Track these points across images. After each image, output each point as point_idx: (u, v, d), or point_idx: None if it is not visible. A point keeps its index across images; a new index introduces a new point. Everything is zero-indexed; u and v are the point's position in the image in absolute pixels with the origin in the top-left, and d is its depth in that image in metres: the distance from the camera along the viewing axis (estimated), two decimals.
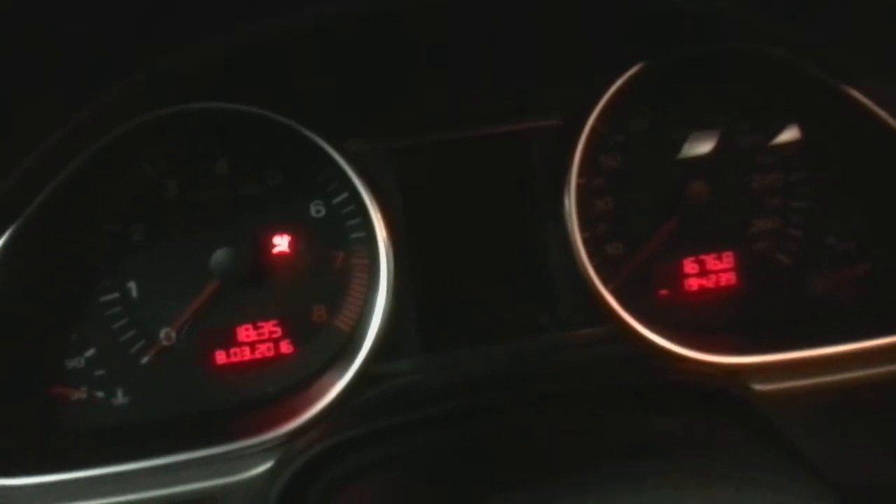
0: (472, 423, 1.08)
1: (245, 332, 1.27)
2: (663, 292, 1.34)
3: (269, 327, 1.28)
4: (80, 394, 1.25)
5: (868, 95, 1.19)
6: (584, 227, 1.23)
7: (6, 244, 1.11)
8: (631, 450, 0.98)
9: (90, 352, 1.25)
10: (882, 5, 1.10)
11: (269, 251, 1.27)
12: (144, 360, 1.25)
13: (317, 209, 1.28)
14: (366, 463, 1.05)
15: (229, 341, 1.27)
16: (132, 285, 1.25)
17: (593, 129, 1.22)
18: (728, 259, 1.34)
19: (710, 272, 1.34)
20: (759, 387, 1.19)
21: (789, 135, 1.34)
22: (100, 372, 1.25)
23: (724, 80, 1.31)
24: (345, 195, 1.26)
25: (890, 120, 1.19)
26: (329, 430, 1.11)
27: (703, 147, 1.32)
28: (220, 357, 1.27)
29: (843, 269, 1.35)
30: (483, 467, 0.99)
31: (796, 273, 1.35)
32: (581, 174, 1.22)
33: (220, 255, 1.22)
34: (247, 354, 1.28)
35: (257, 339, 1.28)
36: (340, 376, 1.18)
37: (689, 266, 1.34)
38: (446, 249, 1.27)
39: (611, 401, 1.11)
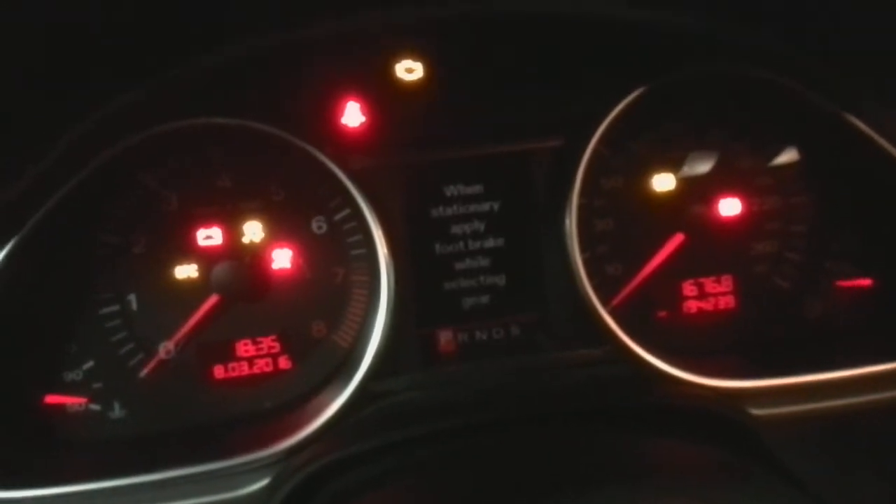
0: (469, 441, 1.08)
1: (244, 347, 1.27)
2: (662, 314, 1.35)
3: (268, 342, 1.28)
4: (76, 405, 1.24)
5: (868, 122, 1.20)
6: (584, 248, 1.24)
7: (8, 255, 1.11)
8: (624, 472, 0.98)
9: (88, 364, 1.24)
10: (882, 34, 1.11)
11: (270, 266, 1.27)
12: (142, 373, 1.25)
13: (318, 225, 1.28)
14: (363, 480, 1.04)
15: (228, 356, 1.27)
16: (132, 298, 1.25)
17: (595, 150, 1.22)
18: (727, 282, 1.35)
19: (709, 295, 1.35)
20: (756, 411, 1.18)
21: (789, 158, 1.35)
22: (98, 384, 1.25)
23: (724, 103, 1.32)
24: (347, 212, 1.27)
25: (889, 147, 1.20)
26: (327, 447, 1.11)
27: (703, 170, 1.33)
28: (219, 371, 1.27)
29: (841, 293, 1.35)
30: (480, 485, 0.99)
31: (794, 297, 1.36)
32: (582, 195, 1.23)
33: (220, 270, 1.23)
34: (245, 369, 1.28)
35: (256, 354, 1.28)
36: (339, 393, 1.18)
37: (688, 288, 1.34)
38: (446, 267, 1.27)
39: (607, 422, 1.11)
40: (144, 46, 1.09)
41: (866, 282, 1.34)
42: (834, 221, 1.35)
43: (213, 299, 1.24)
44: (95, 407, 1.25)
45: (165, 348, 1.25)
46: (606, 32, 1.23)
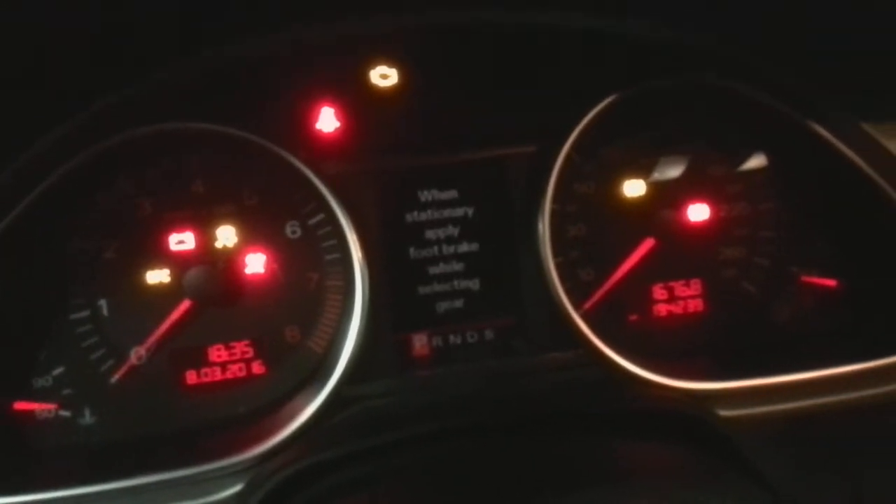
0: (443, 446, 1.09)
1: (217, 352, 1.27)
2: (633, 317, 1.37)
3: (242, 347, 1.27)
4: (46, 411, 1.23)
5: (832, 131, 1.23)
6: (556, 252, 1.25)
7: None
8: (597, 476, 0.99)
9: (58, 370, 1.23)
10: (848, 46, 1.14)
11: (243, 271, 1.27)
12: (114, 379, 1.24)
13: (292, 230, 1.28)
14: (337, 486, 1.04)
15: (200, 361, 1.27)
16: (103, 303, 1.24)
17: (567, 156, 1.24)
18: (696, 286, 1.37)
19: (679, 298, 1.37)
20: (725, 412, 1.21)
21: (756, 165, 1.38)
22: (68, 391, 1.23)
23: (694, 111, 1.34)
24: (321, 216, 1.27)
25: (852, 155, 1.23)
26: (300, 452, 1.11)
27: (673, 175, 1.36)
28: (191, 377, 1.26)
29: (808, 297, 1.38)
30: (455, 490, 1.00)
31: (762, 301, 1.38)
32: (555, 200, 1.25)
33: (193, 275, 1.22)
34: (218, 375, 1.27)
35: (229, 360, 1.27)
36: (313, 398, 1.17)
37: (659, 292, 1.36)
38: (421, 272, 1.28)
39: (580, 425, 1.12)
40: (119, 53, 1.09)
41: (831, 282, 1.37)
42: (801, 227, 1.38)
43: (185, 304, 1.23)
44: (65, 413, 1.23)
45: (137, 354, 1.24)
46: (579, 42, 1.25)
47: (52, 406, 1.23)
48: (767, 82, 1.24)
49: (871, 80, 1.19)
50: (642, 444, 1.08)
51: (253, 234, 1.27)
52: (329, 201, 1.19)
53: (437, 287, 1.28)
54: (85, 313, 1.23)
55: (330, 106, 1.24)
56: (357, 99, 1.24)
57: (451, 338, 1.29)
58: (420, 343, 1.28)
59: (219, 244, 1.26)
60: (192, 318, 1.24)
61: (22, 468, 1.16)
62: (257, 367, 1.28)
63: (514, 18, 1.21)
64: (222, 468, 1.11)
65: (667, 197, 1.34)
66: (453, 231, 1.28)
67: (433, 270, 1.28)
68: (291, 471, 1.05)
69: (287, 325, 1.29)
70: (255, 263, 1.27)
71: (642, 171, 1.35)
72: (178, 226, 1.25)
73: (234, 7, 1.10)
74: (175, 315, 1.23)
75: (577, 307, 1.26)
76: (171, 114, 1.16)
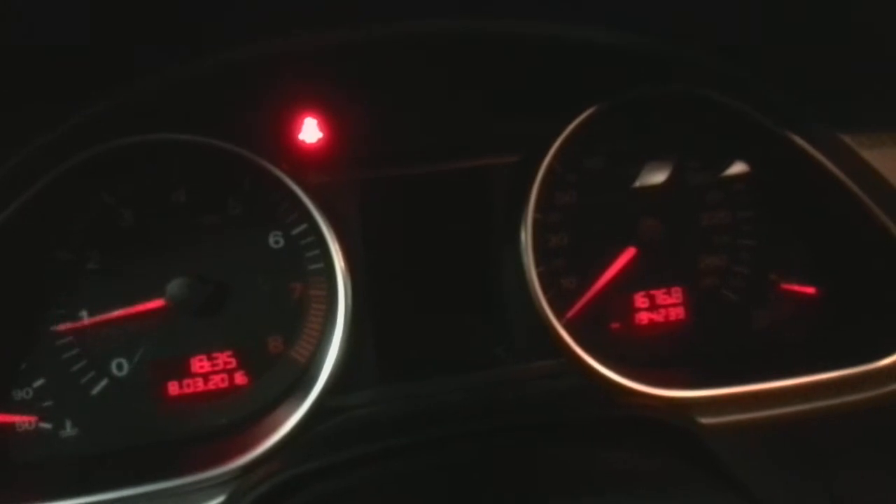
0: (427, 456, 1.09)
1: (199, 363, 1.26)
2: (615, 326, 1.37)
3: (224, 358, 1.27)
4: (26, 424, 1.22)
5: (810, 142, 1.24)
6: (539, 262, 1.26)
7: None
8: (578, 484, 1.00)
9: (39, 382, 1.22)
10: (827, 58, 1.16)
11: (226, 281, 1.26)
12: (95, 390, 1.23)
13: (275, 240, 1.28)
14: (319, 497, 1.04)
15: (182, 372, 1.26)
16: (84, 315, 1.23)
17: (550, 166, 1.25)
18: (677, 294, 1.38)
19: (660, 307, 1.38)
20: (705, 420, 1.22)
21: (737, 174, 1.39)
22: (48, 403, 1.22)
23: (675, 121, 1.36)
24: (304, 226, 1.27)
25: (831, 165, 1.24)
26: (283, 463, 1.10)
27: (655, 185, 1.37)
28: (173, 388, 1.26)
29: (788, 305, 1.40)
30: (437, 501, 1.00)
31: (742, 308, 1.40)
32: (537, 210, 1.25)
33: (176, 285, 1.21)
34: (200, 386, 1.26)
35: (211, 370, 1.27)
36: (296, 409, 1.17)
37: (640, 300, 1.37)
38: (404, 282, 1.28)
39: (562, 433, 1.12)
40: (101, 63, 1.08)
41: (811, 290, 1.39)
42: (781, 236, 1.39)
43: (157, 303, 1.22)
44: (46, 426, 1.22)
45: (118, 365, 1.24)
46: (561, 52, 1.25)
47: (32, 418, 1.22)
48: (748, 93, 1.26)
49: (849, 91, 1.21)
50: (623, 452, 1.09)
51: (236, 244, 1.26)
52: (312, 212, 1.20)
53: (420, 297, 1.29)
54: (66, 325, 1.22)
55: (313, 117, 1.24)
56: (340, 110, 1.24)
57: (435, 347, 1.29)
58: (403, 353, 1.28)
59: (201, 254, 1.25)
60: (173, 326, 1.23)
61: (2, 481, 1.15)
62: (240, 378, 1.28)
63: (498, 29, 1.21)
64: (204, 480, 1.11)
65: (648, 206, 1.35)
66: (436, 241, 1.29)
67: (416, 280, 1.28)
68: (274, 482, 1.05)
69: (270, 336, 1.28)
70: (238, 273, 1.26)
71: (624, 180, 1.36)
72: (161, 235, 1.24)
73: (216, 17, 1.10)
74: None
75: (559, 316, 1.26)
76: (153, 124, 1.16)
